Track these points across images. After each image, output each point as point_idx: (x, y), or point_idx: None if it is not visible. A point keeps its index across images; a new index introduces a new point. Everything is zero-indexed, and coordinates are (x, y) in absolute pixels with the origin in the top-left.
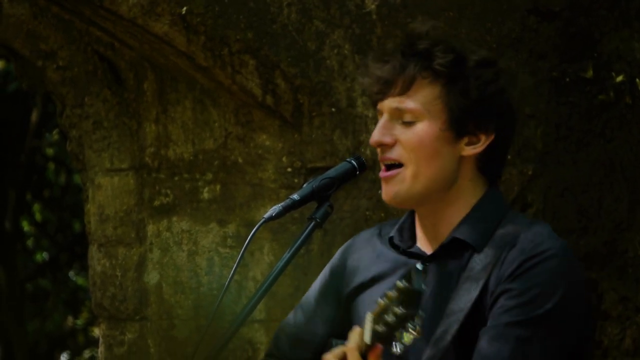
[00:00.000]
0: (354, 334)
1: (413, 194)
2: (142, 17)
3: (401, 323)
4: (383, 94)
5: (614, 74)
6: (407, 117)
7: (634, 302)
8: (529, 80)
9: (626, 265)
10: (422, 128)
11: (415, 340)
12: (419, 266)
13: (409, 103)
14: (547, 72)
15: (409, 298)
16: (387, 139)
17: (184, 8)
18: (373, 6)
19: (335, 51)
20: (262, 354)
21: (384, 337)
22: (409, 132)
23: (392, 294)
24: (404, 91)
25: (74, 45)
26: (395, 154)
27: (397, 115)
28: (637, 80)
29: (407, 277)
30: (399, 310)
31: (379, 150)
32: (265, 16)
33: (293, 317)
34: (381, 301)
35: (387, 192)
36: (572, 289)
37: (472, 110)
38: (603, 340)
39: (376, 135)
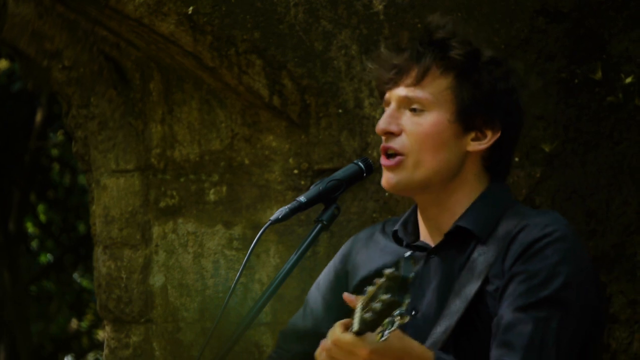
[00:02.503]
0: (337, 325)
1: (414, 182)
2: (148, 16)
3: (388, 310)
4: (395, 83)
5: (623, 75)
6: (416, 106)
7: None
8: (538, 81)
9: (635, 269)
10: (430, 118)
11: (409, 324)
12: (407, 254)
13: (420, 92)
14: (556, 73)
15: (396, 284)
16: (394, 128)
17: (191, 7)
18: (380, 6)
19: (343, 52)
20: None
21: (372, 324)
22: (416, 121)
23: (380, 281)
24: (418, 81)
25: (79, 45)
26: (398, 143)
27: (406, 103)
28: None
29: (395, 264)
30: (385, 296)
31: (383, 138)
32: (272, 16)
33: (301, 314)
34: (370, 289)
35: (388, 179)
36: (583, 269)
37: (482, 104)
38: (611, 343)
39: (383, 123)
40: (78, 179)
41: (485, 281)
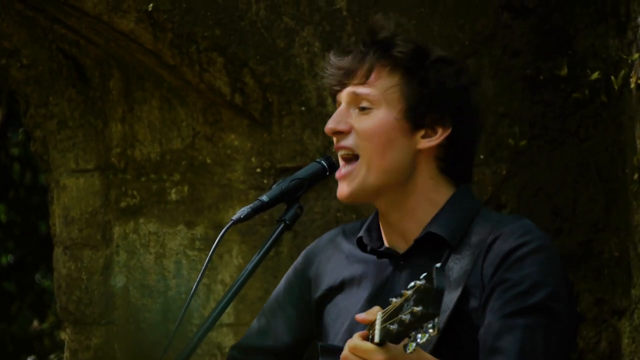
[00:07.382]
0: (355, 335)
1: (367, 188)
2: (107, 13)
3: (419, 322)
4: (343, 85)
5: (589, 71)
6: (364, 104)
7: (610, 305)
8: (503, 78)
9: (602, 267)
10: (378, 116)
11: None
12: (437, 265)
13: (367, 89)
14: (521, 69)
15: (429, 297)
16: (342, 126)
17: (151, 4)
18: (343, 3)
19: (305, 49)
20: None
21: (397, 336)
22: (364, 119)
23: (409, 292)
24: (364, 79)
25: (38, 43)
26: (349, 142)
27: (354, 101)
28: (613, 78)
29: (428, 275)
30: (417, 309)
31: (334, 139)
32: (233, 13)
33: (257, 323)
34: (395, 300)
35: (342, 189)
36: (562, 277)
37: (429, 101)
38: (578, 343)
39: (331, 123)
40: (39, 179)
41: (465, 291)
